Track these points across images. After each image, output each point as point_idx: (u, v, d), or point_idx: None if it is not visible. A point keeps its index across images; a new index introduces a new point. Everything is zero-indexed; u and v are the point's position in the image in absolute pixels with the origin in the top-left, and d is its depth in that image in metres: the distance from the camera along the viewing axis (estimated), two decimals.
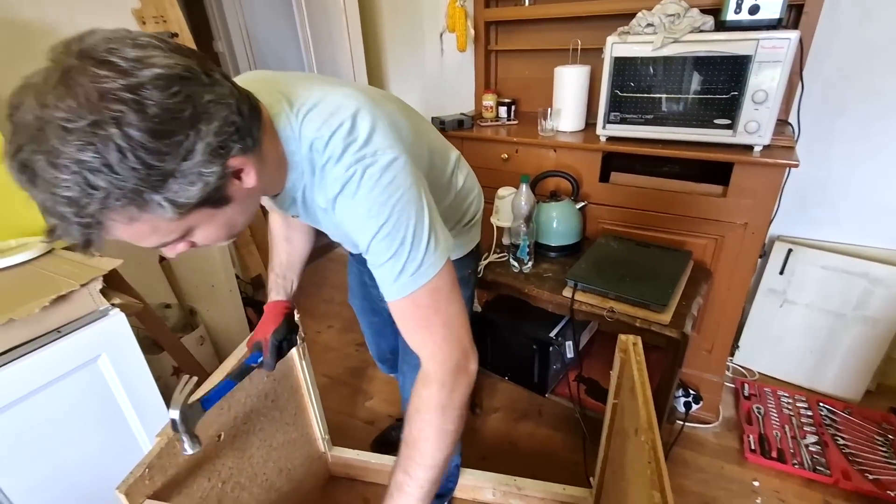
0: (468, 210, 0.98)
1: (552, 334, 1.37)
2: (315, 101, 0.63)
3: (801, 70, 1.38)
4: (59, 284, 0.93)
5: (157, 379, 1.14)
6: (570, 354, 1.50)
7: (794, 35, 1.15)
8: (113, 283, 1.07)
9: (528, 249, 1.38)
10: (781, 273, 1.72)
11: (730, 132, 1.28)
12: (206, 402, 0.86)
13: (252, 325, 1.90)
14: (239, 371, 0.93)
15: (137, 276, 1.31)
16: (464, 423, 0.69)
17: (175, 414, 0.78)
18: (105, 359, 1.00)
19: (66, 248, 1.21)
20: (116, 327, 1.00)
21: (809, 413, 1.64)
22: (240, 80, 0.63)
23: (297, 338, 1.10)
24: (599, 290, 1.23)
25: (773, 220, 1.62)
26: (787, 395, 1.71)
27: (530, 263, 1.41)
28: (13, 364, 0.86)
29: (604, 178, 1.53)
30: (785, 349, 1.79)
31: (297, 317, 1.09)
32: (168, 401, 1.15)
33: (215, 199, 0.53)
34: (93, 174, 0.42)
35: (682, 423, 1.60)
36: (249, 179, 0.56)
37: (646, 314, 1.18)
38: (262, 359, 0.96)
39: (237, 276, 1.94)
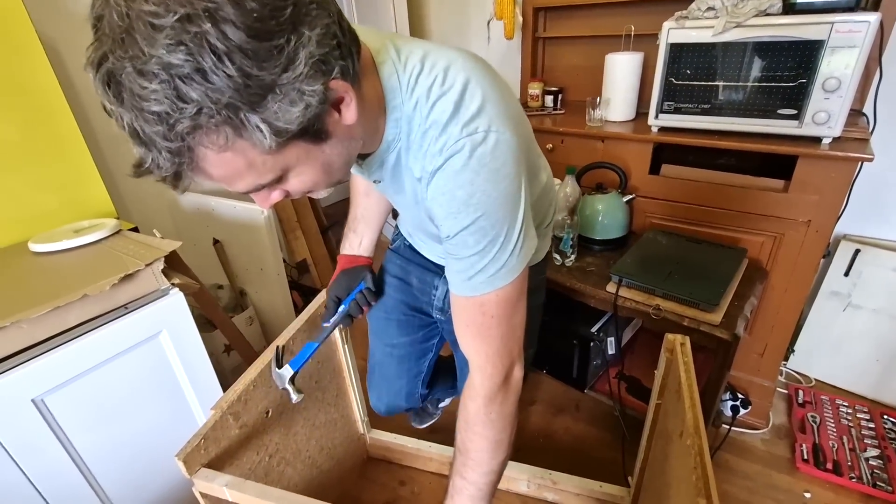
0: (549, 209, 0.88)
1: (593, 330, 1.35)
2: (424, 56, 0.56)
3: (881, 55, 1.27)
4: (126, 263, 1.00)
5: (210, 355, 1.21)
6: (611, 351, 1.46)
7: (873, 17, 1.05)
8: (173, 264, 1.14)
9: (571, 242, 1.35)
10: (846, 275, 1.60)
11: (795, 123, 1.20)
12: (295, 364, 0.95)
13: (297, 308, 1.97)
14: (322, 334, 1.00)
15: (193, 258, 1.38)
16: (516, 427, 0.69)
17: (287, 372, 0.92)
18: (165, 335, 1.07)
19: (131, 230, 1.29)
20: (176, 305, 1.07)
21: (871, 425, 1.53)
22: None
23: (363, 291, 1.03)
24: (645, 286, 1.20)
25: (840, 218, 1.51)
26: (846, 404, 1.61)
27: (573, 257, 1.39)
28: (87, 336, 0.94)
29: (654, 170, 1.47)
30: (846, 356, 1.67)
31: (364, 268, 1.04)
32: (220, 376, 1.22)
33: (314, 130, 0.46)
34: (184, 82, 0.36)
35: (728, 427, 1.53)
36: (350, 113, 0.49)
37: (695, 313, 1.13)
38: (340, 314, 1.00)
39: (284, 261, 2.01)
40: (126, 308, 1.00)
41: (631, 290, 1.22)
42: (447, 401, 1.53)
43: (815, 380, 1.74)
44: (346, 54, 0.46)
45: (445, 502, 0.71)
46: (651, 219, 1.52)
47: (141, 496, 1.10)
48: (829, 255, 1.58)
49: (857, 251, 1.57)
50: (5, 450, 0.87)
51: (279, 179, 0.49)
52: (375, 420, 1.54)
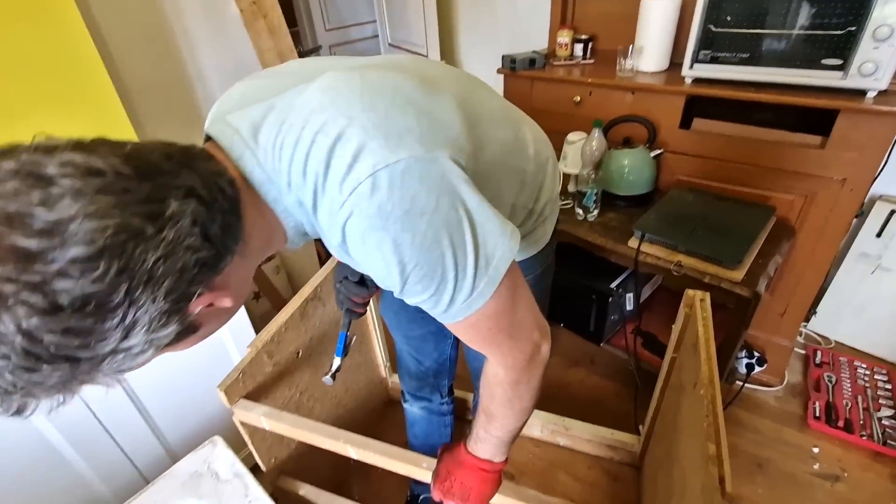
0: (543, 189, 0.75)
1: (612, 285, 1.36)
2: (276, 119, 0.46)
3: None
4: None
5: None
6: (629, 307, 1.48)
7: None
8: None
9: (594, 198, 1.34)
10: (879, 236, 1.56)
11: (839, 74, 1.13)
12: (339, 353, 0.95)
13: (320, 257, 2.03)
14: (346, 322, 0.95)
15: None
16: (541, 390, 0.64)
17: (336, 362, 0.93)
18: None
19: None
20: None
21: (888, 386, 1.54)
22: (228, 102, 0.51)
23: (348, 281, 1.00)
24: (668, 242, 1.19)
25: (878, 178, 1.46)
26: (864, 366, 1.61)
27: (596, 212, 1.38)
28: None
29: (685, 124, 1.42)
30: (870, 318, 1.66)
31: None
32: (251, 322, 1.29)
33: (177, 339, 0.42)
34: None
35: (741, 383, 1.56)
36: (223, 302, 0.44)
37: (716, 270, 1.13)
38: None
39: None
40: None
41: (653, 246, 1.22)
42: None
43: (836, 341, 1.74)
44: (215, 262, 0.41)
45: (469, 439, 0.73)
46: (678, 175, 1.48)
47: (186, 425, 1.20)
48: (861, 215, 1.53)
49: (893, 212, 1.52)
50: None
51: None
52: (396, 366, 1.61)
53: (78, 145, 0.36)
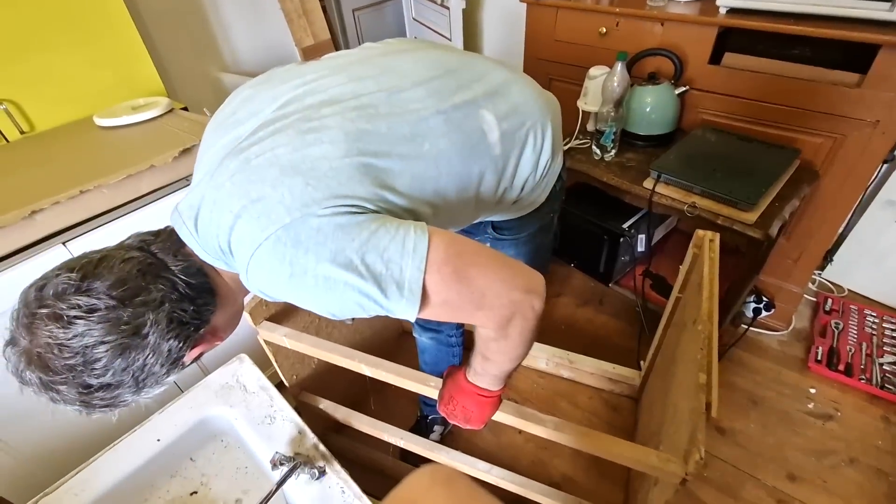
0: (517, 173, 0.72)
1: (625, 226, 1.37)
2: (198, 209, 0.57)
3: None
4: (182, 139, 1.07)
5: None
6: (640, 248, 1.49)
7: None
8: None
9: (613, 137, 1.32)
10: None
11: (887, 6, 1.05)
12: None
13: None
14: None
15: None
16: (537, 334, 0.63)
17: None
18: None
19: (183, 108, 1.35)
20: None
21: None
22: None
23: None
24: (684, 183, 1.18)
25: None
26: (874, 314, 1.62)
27: (613, 152, 1.36)
28: (158, 202, 1.05)
29: (714, 59, 1.35)
30: (887, 268, 1.64)
31: None
32: None
33: (186, 365, 0.61)
34: (79, 407, 0.55)
35: (746, 327, 1.59)
36: (214, 345, 0.64)
37: (730, 212, 1.13)
38: None
39: None
40: (187, 180, 1.09)
41: (668, 187, 1.21)
42: None
43: (850, 290, 1.74)
44: (197, 329, 0.59)
45: (469, 369, 0.75)
46: (703, 115, 1.43)
47: None
48: (892, 159, 1.47)
49: None
50: None
51: None
52: None
53: (81, 283, 0.51)
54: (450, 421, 0.81)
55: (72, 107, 1.30)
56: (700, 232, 1.02)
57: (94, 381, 0.51)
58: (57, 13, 1.21)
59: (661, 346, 1.26)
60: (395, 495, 0.40)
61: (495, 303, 0.56)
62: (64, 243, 0.95)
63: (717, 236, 1.00)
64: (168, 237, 0.60)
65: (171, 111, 1.30)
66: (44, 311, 0.50)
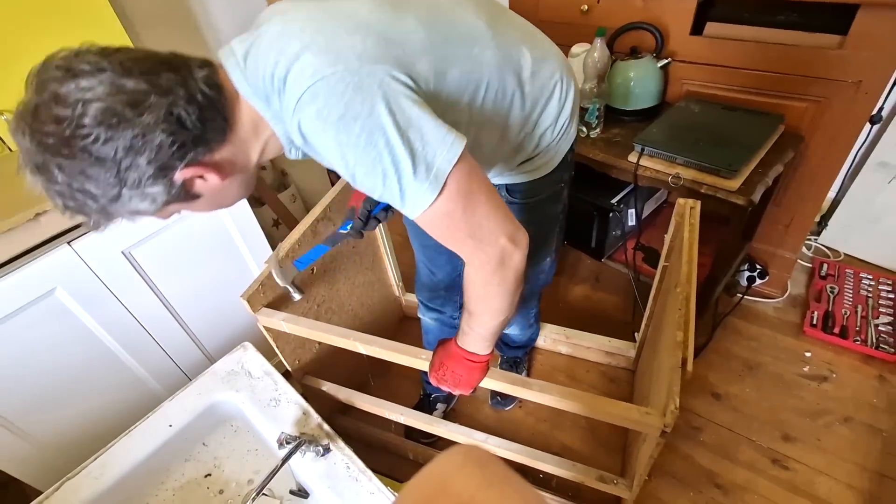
0: (541, 119, 0.77)
1: (613, 201, 1.38)
2: (253, 45, 0.57)
3: None
4: None
5: (262, 228, 1.36)
6: (631, 222, 1.51)
7: None
8: None
9: (597, 113, 1.33)
10: None
11: None
12: (299, 262, 0.99)
13: (333, 184, 2.10)
14: (332, 238, 0.98)
15: None
16: (518, 296, 0.69)
17: (275, 273, 0.96)
18: None
19: None
20: None
21: (892, 295, 1.56)
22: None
23: (391, 212, 1.02)
24: (667, 154, 1.20)
25: None
26: (870, 276, 1.63)
27: (599, 128, 1.37)
28: None
29: (696, 30, 1.35)
30: (883, 230, 1.64)
31: None
32: (273, 245, 1.38)
33: (181, 198, 0.57)
34: (64, 199, 0.52)
35: (741, 295, 1.61)
36: (211, 180, 0.57)
37: (714, 180, 1.14)
38: (351, 224, 0.97)
39: None
40: None
41: (653, 160, 1.23)
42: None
43: (846, 254, 1.74)
44: (193, 144, 0.54)
45: (458, 334, 0.81)
46: (688, 86, 1.44)
47: (220, 332, 1.35)
48: (879, 120, 1.47)
49: None
50: (112, 292, 1.09)
51: (182, 210, 0.62)
52: (409, 285, 1.72)
53: (102, 51, 0.51)
54: (439, 386, 0.85)
55: None
56: (681, 200, 1.04)
57: (78, 145, 0.49)
58: (50, 22, 1.24)
59: (652, 316, 1.28)
60: (427, 471, 0.38)
61: (486, 238, 0.61)
62: (69, 243, 1.00)
63: (698, 204, 1.02)
64: (204, 60, 0.58)
65: None
66: (57, 63, 0.50)
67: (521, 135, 0.76)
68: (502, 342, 1.45)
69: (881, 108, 1.44)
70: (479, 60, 0.64)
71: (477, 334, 0.77)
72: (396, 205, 0.58)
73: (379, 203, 0.90)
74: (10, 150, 1.27)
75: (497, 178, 0.87)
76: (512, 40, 0.69)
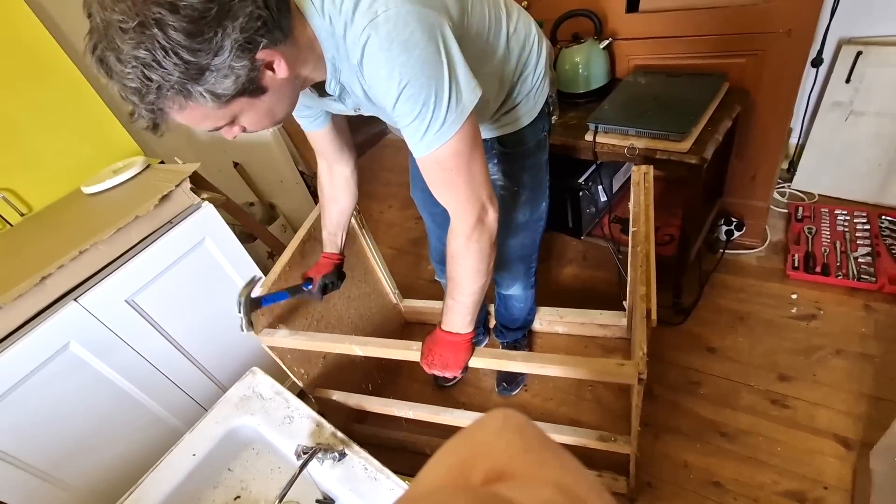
0: (527, 63, 0.92)
1: (580, 180, 1.45)
2: None
3: None
4: (160, 188, 1.19)
5: (257, 262, 1.43)
6: (602, 198, 1.57)
7: None
8: (200, 184, 1.32)
9: (551, 100, 1.39)
10: (848, 81, 1.56)
11: None
12: (265, 300, 1.07)
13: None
14: (293, 289, 1.13)
15: (221, 182, 1.56)
16: (493, 259, 0.81)
17: (240, 300, 1.03)
18: (209, 241, 1.29)
19: (160, 162, 1.47)
20: (210, 215, 1.27)
21: (867, 227, 1.61)
22: None
23: (341, 283, 1.21)
24: (618, 128, 1.26)
25: (834, 20, 1.45)
26: (845, 212, 1.67)
27: (555, 115, 1.43)
28: (150, 248, 1.17)
29: (632, 8, 1.43)
30: (849, 166, 1.69)
31: (343, 267, 1.22)
32: (266, 273, 1.45)
33: (251, 89, 0.60)
34: (147, 69, 0.52)
35: (722, 251, 1.66)
36: (281, 70, 0.61)
37: (666, 145, 1.21)
38: (311, 288, 1.14)
39: (302, 173, 2.18)
40: (171, 223, 1.21)
41: (608, 135, 1.29)
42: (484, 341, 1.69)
43: (819, 195, 1.79)
44: (272, 27, 0.57)
45: (442, 317, 0.90)
46: (634, 61, 1.51)
47: (228, 361, 1.41)
48: (821, 62, 1.53)
49: (860, 53, 1.51)
50: (122, 339, 1.16)
51: (233, 122, 0.64)
52: (406, 291, 1.78)
53: None
54: (431, 371, 0.92)
55: (61, 183, 1.43)
56: (636, 167, 1.10)
57: (186, 4, 0.51)
58: (34, 104, 1.34)
59: (634, 282, 1.34)
60: (465, 434, 0.38)
61: (475, 189, 0.73)
62: (76, 299, 1.07)
63: (651, 168, 1.08)
64: None
65: (148, 167, 1.42)
66: None
67: (513, 78, 0.91)
68: (501, 325, 1.51)
69: (821, 51, 1.50)
70: (483, 9, 0.78)
71: (459, 304, 0.85)
72: (417, 135, 0.67)
73: (332, 279, 1.15)
74: (10, 225, 1.35)
75: (488, 132, 1.00)
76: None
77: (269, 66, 0.60)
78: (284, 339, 1.08)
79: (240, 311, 1.04)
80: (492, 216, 0.76)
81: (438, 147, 0.67)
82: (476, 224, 0.75)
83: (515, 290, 1.35)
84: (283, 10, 0.59)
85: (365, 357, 1.45)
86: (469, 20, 0.74)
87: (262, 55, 0.58)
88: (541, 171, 1.09)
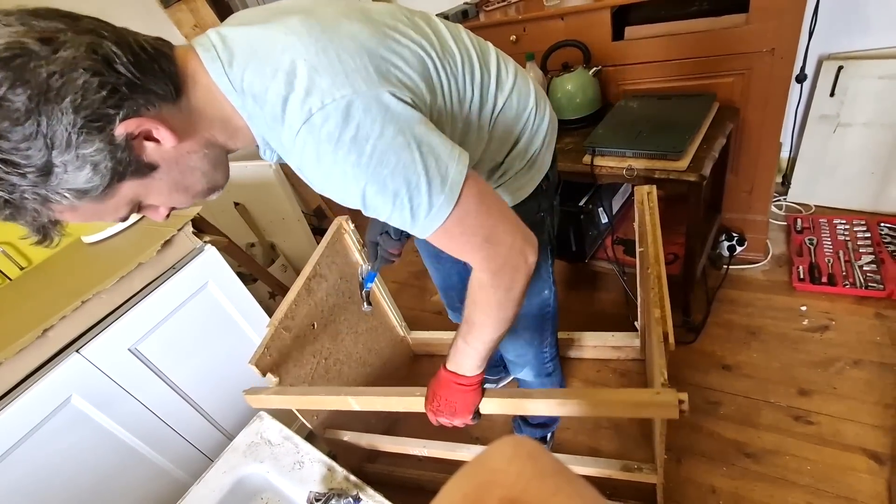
0: (517, 143, 0.79)
1: (580, 204, 1.46)
2: (248, 46, 0.53)
3: None
4: (162, 233, 1.18)
5: (259, 303, 1.42)
6: (604, 220, 1.58)
7: None
8: (202, 227, 1.32)
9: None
10: (832, 95, 1.60)
11: None
12: (367, 281, 1.07)
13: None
14: (377, 265, 1.05)
15: (222, 222, 1.56)
16: (521, 305, 0.69)
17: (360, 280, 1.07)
18: (212, 284, 1.27)
19: None
20: (213, 258, 1.26)
21: (868, 235, 1.61)
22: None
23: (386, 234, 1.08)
24: (615, 150, 1.28)
25: (813, 38, 1.50)
26: (843, 221, 1.68)
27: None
28: (153, 294, 1.15)
29: (617, 36, 1.48)
30: (842, 176, 1.72)
31: None
32: (270, 316, 1.43)
33: (131, 170, 0.49)
34: None
35: (726, 266, 1.66)
36: (166, 139, 0.50)
37: (663, 164, 1.22)
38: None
39: (303, 212, 2.19)
40: (174, 268, 1.20)
41: (605, 158, 1.31)
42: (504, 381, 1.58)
43: (816, 206, 1.81)
44: (131, 91, 0.46)
45: (449, 357, 0.78)
46: (623, 86, 1.55)
47: (234, 408, 1.37)
48: (805, 78, 1.58)
49: (841, 68, 1.56)
50: (125, 390, 1.13)
51: (140, 206, 0.55)
52: (412, 323, 1.76)
53: (33, 11, 0.45)
54: (438, 418, 0.83)
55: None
56: (639, 188, 1.11)
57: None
58: None
59: (645, 303, 1.33)
60: (476, 462, 0.37)
61: (500, 239, 0.62)
62: (78, 350, 1.05)
63: (654, 188, 1.09)
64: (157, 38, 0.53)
65: None
66: None
67: (498, 158, 0.78)
68: (519, 418, 1.36)
69: (803, 68, 1.55)
70: (465, 77, 0.67)
71: (473, 350, 0.74)
72: (406, 224, 0.57)
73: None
74: (9, 279, 1.34)
75: None
76: (492, 59, 0.74)
77: (148, 137, 0.50)
78: (272, 398, 1.05)
79: (361, 296, 1.06)
80: (532, 258, 0.64)
81: (438, 227, 0.57)
82: (509, 272, 0.64)
83: (526, 376, 1.18)
84: (150, 70, 0.48)
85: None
86: (442, 88, 0.63)
87: (126, 127, 0.47)
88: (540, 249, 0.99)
